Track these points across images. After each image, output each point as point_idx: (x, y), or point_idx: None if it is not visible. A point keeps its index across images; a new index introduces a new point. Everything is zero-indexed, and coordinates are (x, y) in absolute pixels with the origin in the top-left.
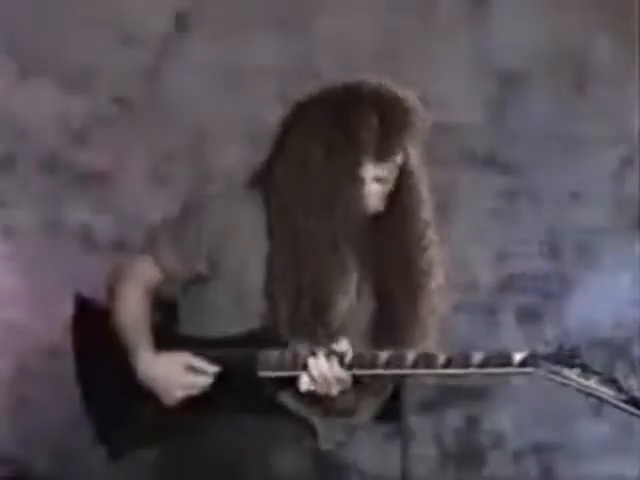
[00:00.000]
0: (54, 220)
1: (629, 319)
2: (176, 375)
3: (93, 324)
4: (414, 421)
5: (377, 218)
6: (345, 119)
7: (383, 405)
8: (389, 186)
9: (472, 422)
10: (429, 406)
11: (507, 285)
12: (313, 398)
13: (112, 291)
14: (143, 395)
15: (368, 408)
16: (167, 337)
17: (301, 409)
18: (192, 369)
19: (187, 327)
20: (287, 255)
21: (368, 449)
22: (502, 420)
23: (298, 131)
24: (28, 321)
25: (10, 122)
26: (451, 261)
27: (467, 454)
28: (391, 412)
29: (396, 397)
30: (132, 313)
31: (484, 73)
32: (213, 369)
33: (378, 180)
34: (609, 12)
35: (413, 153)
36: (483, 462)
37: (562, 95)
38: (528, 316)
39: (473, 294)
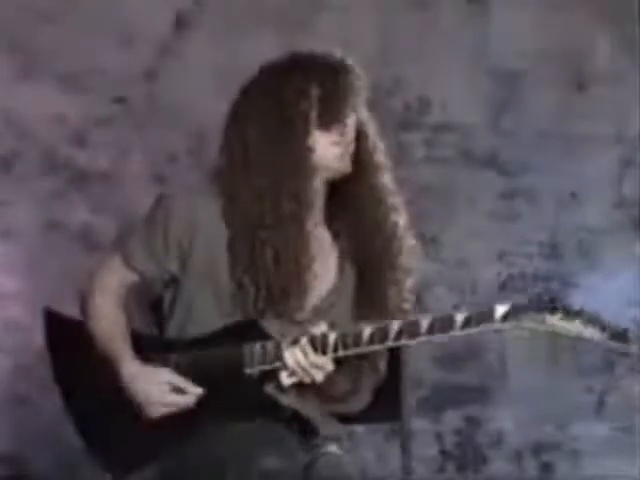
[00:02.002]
0: (54, 220)
1: (629, 319)
2: (159, 393)
3: (70, 342)
4: (414, 421)
5: (341, 188)
6: (283, 93)
7: (382, 403)
8: (351, 146)
9: (472, 422)
10: (429, 406)
11: (507, 285)
12: (300, 389)
13: (84, 304)
14: (132, 411)
15: (364, 391)
16: (150, 341)
17: (293, 402)
18: (175, 388)
19: (171, 329)
20: (243, 241)
21: (368, 449)
22: (502, 420)
23: (239, 115)
24: (28, 321)
25: (10, 122)
26: (451, 261)
27: (467, 454)
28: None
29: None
30: (107, 325)
31: (484, 73)
32: (197, 391)
33: (337, 144)
34: (609, 12)
35: (363, 116)
36: (483, 462)
37: (562, 95)
38: None
39: (473, 294)
